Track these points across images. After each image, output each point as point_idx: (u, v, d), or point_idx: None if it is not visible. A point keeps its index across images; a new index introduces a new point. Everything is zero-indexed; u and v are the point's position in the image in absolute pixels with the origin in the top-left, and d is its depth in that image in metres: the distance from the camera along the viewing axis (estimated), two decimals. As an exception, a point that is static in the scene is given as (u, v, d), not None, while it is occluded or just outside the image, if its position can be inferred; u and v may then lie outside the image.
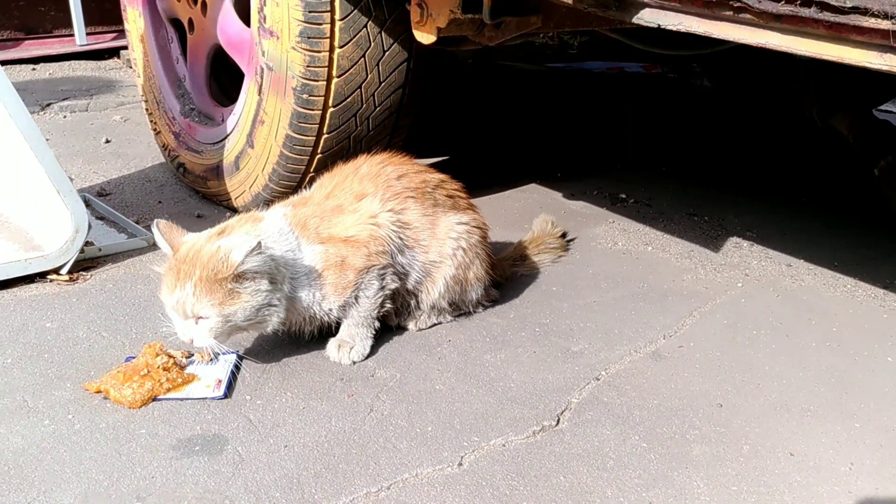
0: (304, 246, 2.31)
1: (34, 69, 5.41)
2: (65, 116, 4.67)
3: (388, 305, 2.47)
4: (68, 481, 1.88)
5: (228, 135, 3.39)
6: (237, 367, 2.34)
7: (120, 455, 1.97)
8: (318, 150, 3.11)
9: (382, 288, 2.41)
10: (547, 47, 7.38)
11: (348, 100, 3.03)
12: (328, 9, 2.84)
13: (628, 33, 3.49)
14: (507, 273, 2.91)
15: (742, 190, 4.09)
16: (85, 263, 2.96)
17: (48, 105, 4.77)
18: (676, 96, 5.94)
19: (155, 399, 2.18)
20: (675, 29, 2.01)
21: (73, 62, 5.58)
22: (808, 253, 3.32)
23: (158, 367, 2.24)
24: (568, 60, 6.91)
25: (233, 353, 2.39)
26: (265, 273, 2.18)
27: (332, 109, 3.03)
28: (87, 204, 3.48)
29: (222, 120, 3.53)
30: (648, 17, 2.05)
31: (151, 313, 2.63)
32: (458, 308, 2.65)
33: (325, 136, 3.08)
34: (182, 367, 2.31)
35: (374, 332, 2.46)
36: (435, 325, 2.63)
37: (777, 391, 2.35)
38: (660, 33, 3.32)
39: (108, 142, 4.32)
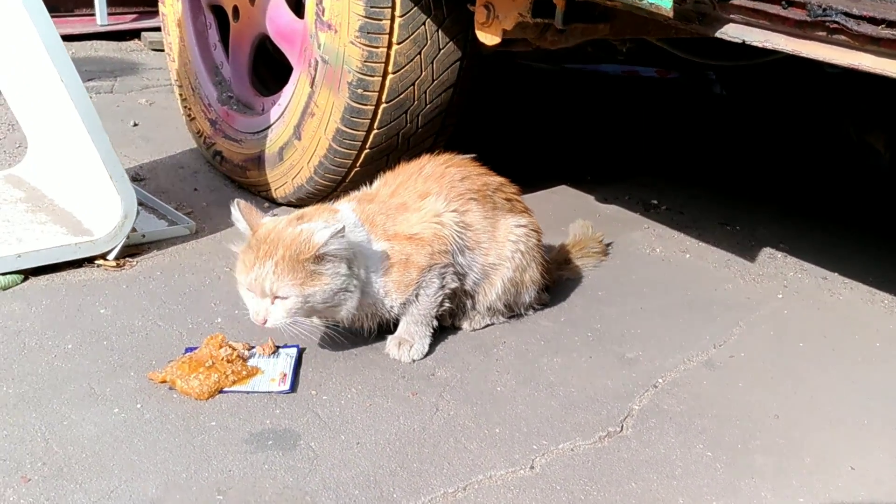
0: (373, 241, 2.31)
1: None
2: (91, 98, 4.61)
3: (447, 305, 2.48)
4: (147, 471, 1.88)
5: (272, 125, 3.37)
6: (298, 362, 2.34)
7: (194, 447, 1.97)
8: (367, 146, 3.11)
9: (443, 287, 2.42)
10: (566, 49, 7.41)
11: (401, 96, 3.03)
12: (389, 5, 2.84)
13: (675, 42, 3.51)
14: (553, 276, 2.93)
15: (770, 201, 4.12)
16: (129, 250, 2.93)
17: (74, 85, 4.71)
18: (691, 102, 5.97)
19: (221, 391, 2.18)
20: (759, 45, 2.03)
21: (94, 42, 5.53)
22: (842, 267, 3.36)
23: (223, 359, 2.24)
24: (583, 62, 6.93)
25: (294, 347, 2.39)
26: (344, 258, 2.19)
27: (384, 105, 3.02)
28: (127, 189, 3.46)
29: (263, 110, 3.52)
30: (732, 32, 2.07)
31: (204, 304, 2.63)
32: (512, 310, 2.66)
33: (375, 131, 3.08)
34: (245, 360, 2.30)
35: (432, 331, 2.47)
36: (488, 325, 2.64)
37: (830, 404, 2.38)
38: (707, 43, 3.37)
39: (136, 125, 4.28)
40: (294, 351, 2.38)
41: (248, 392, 2.19)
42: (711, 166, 4.60)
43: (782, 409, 2.34)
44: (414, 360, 2.41)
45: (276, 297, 2.15)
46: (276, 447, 1.99)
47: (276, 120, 3.36)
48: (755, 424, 2.26)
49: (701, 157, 4.75)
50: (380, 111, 3.03)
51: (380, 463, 1.97)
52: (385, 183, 2.55)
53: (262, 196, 3.50)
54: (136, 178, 3.62)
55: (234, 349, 2.29)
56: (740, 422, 2.27)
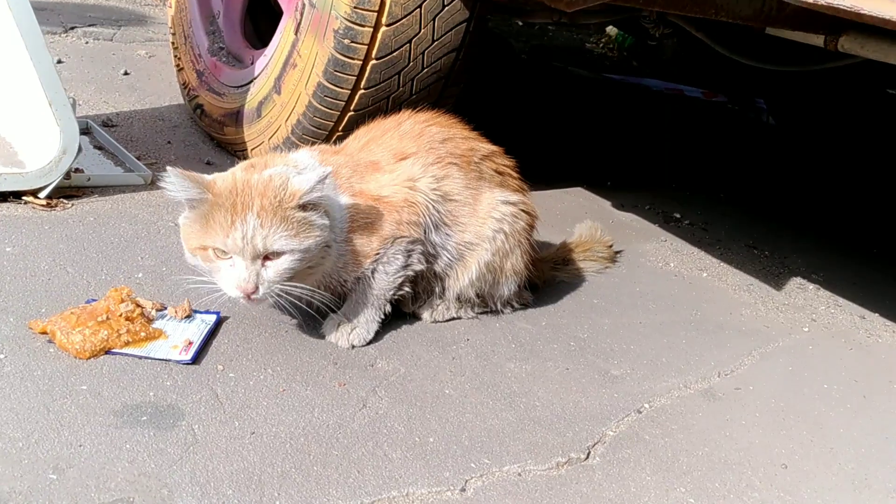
0: (338, 194, 1.94)
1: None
2: (87, 42, 4.33)
3: (407, 289, 2.08)
4: (-25, 434, 1.50)
5: (255, 78, 3.02)
6: (213, 331, 1.96)
7: (48, 412, 1.59)
8: (351, 107, 2.73)
9: (406, 267, 2.03)
10: (605, 58, 7.05)
11: (394, 54, 2.65)
12: (386, -57, 2.47)
13: (733, 45, 3.08)
14: (545, 276, 2.52)
15: (807, 229, 3.67)
16: (69, 191, 2.59)
17: (72, 28, 4.43)
18: (736, 127, 5.53)
19: (108, 352, 1.81)
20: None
21: (108, -9, 5.26)
22: (883, 307, 2.90)
23: (121, 316, 1.87)
24: (626, 73, 6.57)
25: (214, 313, 2.02)
26: (323, 207, 1.84)
27: (374, 62, 2.65)
28: (87, 131, 3.14)
29: (251, 62, 3.17)
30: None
31: (130, 256, 2.26)
32: (485, 303, 2.26)
33: (362, 91, 2.70)
34: (149, 321, 1.93)
35: (383, 317, 2.07)
36: (454, 318, 2.24)
37: (855, 461, 1.94)
38: (773, 47, 2.93)
39: (126, 74, 3.97)
40: (212, 318, 2.00)
41: (140, 357, 1.81)
42: (748, 190, 4.17)
43: (792, 459, 1.90)
44: (353, 346, 2.01)
45: (267, 259, 1.77)
46: (149, 425, 1.61)
47: (260, 72, 3.01)
48: (755, 472, 1.82)
49: (739, 180, 4.32)
50: (368, 68, 2.66)
51: (272, 460, 1.58)
52: (356, 137, 2.17)
53: (238, 155, 3.14)
54: (108, 123, 3.29)
55: (138, 306, 1.92)
56: (736, 466, 1.83)
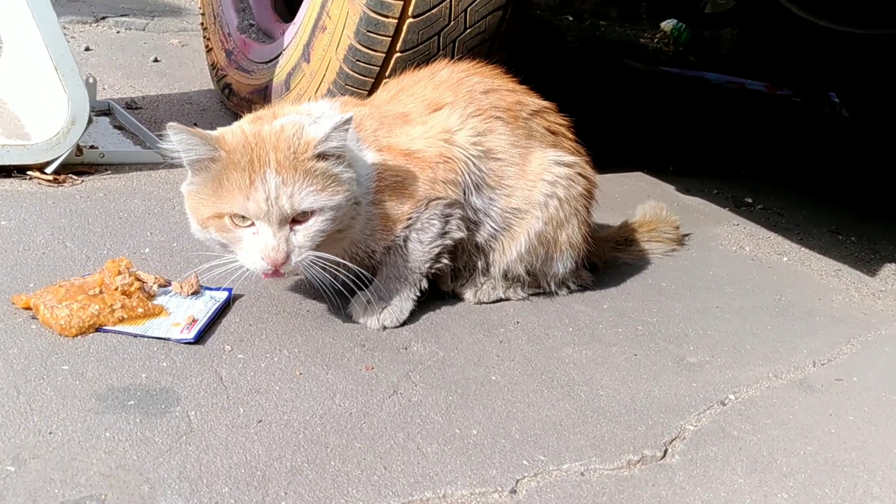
0: (362, 148, 1.66)
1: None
2: (118, 32, 4.16)
3: (445, 261, 1.80)
4: (-74, 417, 1.25)
5: (284, 49, 2.78)
6: (222, 309, 1.69)
7: (18, 395, 1.34)
8: (386, 73, 2.47)
9: (443, 234, 1.74)
10: (661, 53, 6.73)
11: (433, 11, 2.38)
12: None
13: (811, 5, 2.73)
14: (605, 256, 2.21)
15: (894, 217, 3.30)
16: (81, 168, 2.37)
17: (103, 18, 4.27)
18: (805, 120, 5.15)
19: (98, 329, 1.55)
20: None
21: (143, -16, 5.10)
22: None
23: (116, 289, 1.61)
24: (682, 67, 6.25)
25: (226, 290, 1.75)
26: (346, 159, 1.57)
27: (410, 20, 2.38)
28: (109, 111, 2.93)
29: (281, 35, 2.93)
30: None
31: (138, 231, 2.02)
32: (537, 281, 1.96)
33: (398, 55, 2.43)
34: (150, 296, 1.67)
35: (418, 294, 1.79)
36: (501, 299, 1.94)
37: None
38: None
39: (156, 61, 3.77)
40: (223, 295, 1.74)
41: (135, 335, 1.56)
42: (823, 179, 3.80)
43: (914, 461, 1.56)
44: (384, 328, 1.73)
45: (295, 222, 1.51)
46: (136, 410, 1.34)
47: (289, 43, 2.76)
48: (873, 476, 1.49)
49: (812, 169, 3.95)
50: (404, 28, 2.39)
51: (280, 453, 1.30)
52: (385, 88, 1.91)
53: (266, 136, 2.89)
54: (132, 105, 3.08)
55: (137, 280, 1.67)
56: (850, 469, 1.50)
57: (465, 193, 1.75)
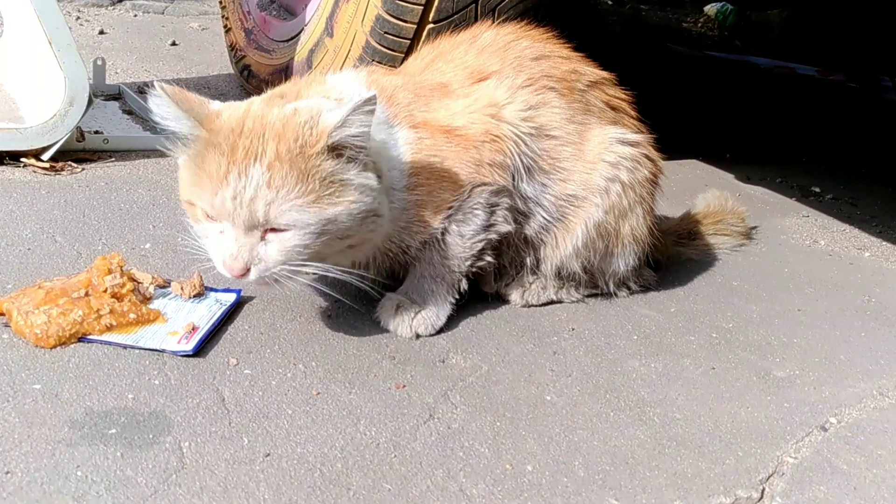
0: (394, 126, 1.41)
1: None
2: (135, 15, 3.95)
3: (489, 258, 1.54)
4: None
5: (306, 25, 2.54)
6: (228, 314, 1.45)
7: (-26, 421, 1.10)
8: (417, 47, 2.21)
9: (488, 227, 1.49)
10: (705, 37, 6.42)
11: (470, -24, 2.12)
12: None
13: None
14: (668, 252, 1.94)
15: None
16: (82, 155, 2.15)
17: (119, 1, 4.06)
18: (863, 106, 4.82)
19: (82, 339, 1.31)
20: None
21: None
22: None
23: (105, 291, 1.37)
24: (729, 52, 5.94)
25: (234, 292, 1.51)
26: (369, 156, 1.30)
27: (445, -14, 2.12)
28: (119, 95, 2.70)
29: (303, 9, 2.69)
30: None
31: (139, 224, 1.79)
32: (593, 281, 1.69)
33: (430, 25, 2.18)
34: (145, 299, 1.43)
35: (457, 297, 1.53)
36: (552, 301, 1.68)
37: None
38: None
39: (174, 45, 3.55)
40: (230, 298, 1.49)
41: (125, 346, 1.32)
42: (889, 164, 3.48)
43: None
44: (418, 336, 1.48)
45: (271, 230, 1.26)
46: (118, 441, 1.10)
47: (311, 17, 2.52)
48: None
49: (879, 157, 3.62)
50: (439, -6, 2.13)
51: (292, 496, 1.05)
52: (419, 55, 1.65)
53: (287, 121, 2.65)
54: (143, 90, 2.84)
55: (131, 280, 1.43)
56: None
57: (513, 178, 1.49)
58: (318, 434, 1.17)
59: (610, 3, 6.77)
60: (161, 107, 1.26)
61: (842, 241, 2.41)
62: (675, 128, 3.53)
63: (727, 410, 1.39)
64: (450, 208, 1.44)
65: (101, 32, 3.54)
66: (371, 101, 1.24)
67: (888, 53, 4.82)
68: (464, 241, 1.47)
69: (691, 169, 2.92)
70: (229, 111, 1.31)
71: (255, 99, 1.39)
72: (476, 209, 1.46)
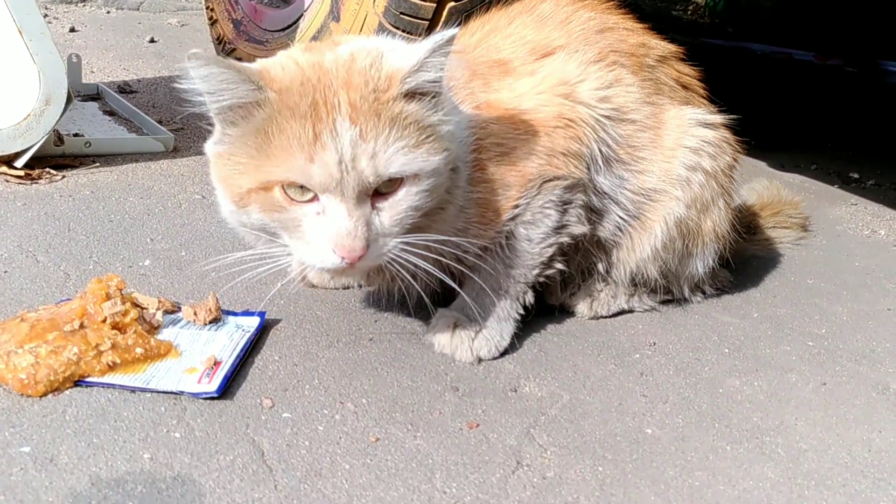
0: (455, 106, 1.18)
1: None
2: (108, 12, 3.68)
3: (559, 266, 1.30)
4: None
5: (306, 10, 2.29)
6: (253, 342, 1.20)
7: (-52, 502, 0.84)
8: (436, 29, 1.96)
9: (560, 229, 1.25)
10: (697, 25, 6.26)
11: (497, -54, 1.88)
12: None
13: None
14: (733, 247, 1.71)
15: None
16: (62, 160, 1.89)
17: (91, -4, 3.78)
18: (862, 90, 4.65)
19: (79, 382, 1.06)
20: None
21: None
22: None
23: (104, 322, 1.13)
24: (725, 38, 5.79)
25: (257, 315, 1.26)
26: (444, 102, 1.08)
27: (469, -40, 1.89)
28: (98, 95, 2.44)
29: (300, -5, 2.44)
30: None
31: (135, 238, 1.54)
32: (668, 287, 1.46)
33: (451, 3, 1.96)
34: (152, 328, 1.19)
35: (521, 312, 1.30)
36: (623, 311, 1.46)
37: None
38: None
39: (152, 41, 3.29)
40: (254, 323, 1.25)
41: (134, 389, 1.06)
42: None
43: None
44: (480, 360, 1.24)
45: (379, 196, 1.04)
46: (136, 520, 0.85)
47: (312, 2, 2.27)
48: None
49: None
50: (460, -31, 1.90)
51: (370, 587, 0.80)
52: (467, 30, 1.41)
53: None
54: (125, 89, 2.59)
55: (135, 306, 1.18)
56: None
57: (589, 170, 1.26)
58: (387, 495, 0.93)
59: (597, -9, 6.60)
60: (208, 79, 1.01)
61: (901, 230, 2.22)
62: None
63: (858, 437, 1.17)
64: (516, 207, 1.20)
65: (72, 30, 3.27)
66: (452, 39, 1.03)
67: (887, 37, 4.68)
68: (532, 245, 1.24)
69: (722, 158, 2.71)
70: (276, 69, 1.07)
71: (290, 51, 1.14)
72: (547, 208, 1.22)
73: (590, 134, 1.24)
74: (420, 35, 1.98)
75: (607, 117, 1.26)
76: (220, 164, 1.07)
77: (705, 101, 1.49)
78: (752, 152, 2.83)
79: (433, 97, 1.05)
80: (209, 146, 1.09)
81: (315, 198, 1.01)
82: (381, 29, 1.99)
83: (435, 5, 1.94)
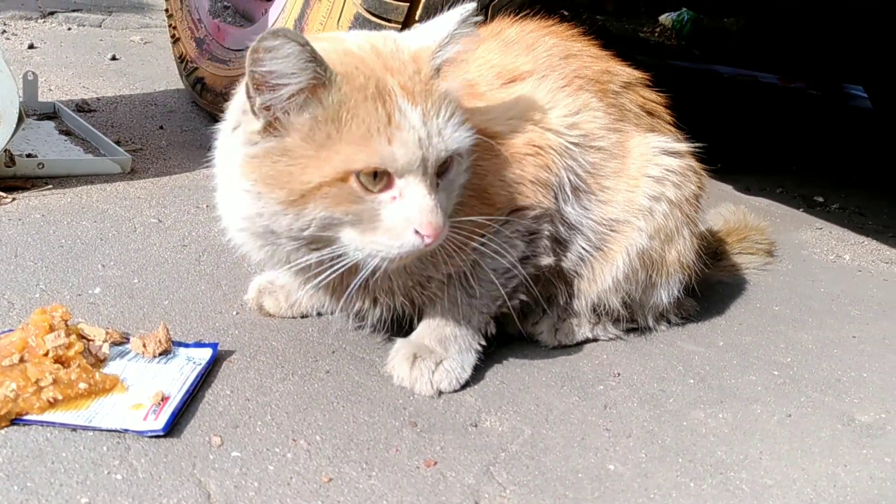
0: None
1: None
2: (69, 28, 3.61)
3: (522, 297, 1.27)
4: None
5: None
6: (203, 376, 1.16)
7: None
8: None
9: (525, 259, 1.23)
10: (664, 47, 6.31)
11: (462, -32, 1.86)
12: None
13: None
14: (699, 275, 1.69)
15: None
16: (12, 182, 1.83)
17: (51, 13, 3.71)
18: (826, 113, 4.72)
19: (16, 421, 1.01)
20: None
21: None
22: None
23: (46, 354, 1.07)
24: (692, 61, 5.86)
25: (209, 346, 1.22)
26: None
27: (433, -19, 1.87)
28: (55, 115, 2.38)
29: (264, 14, 2.41)
30: None
31: (85, 264, 1.49)
32: (632, 316, 1.44)
33: (417, 25, 1.91)
34: (98, 362, 1.14)
35: (483, 343, 1.26)
36: (588, 340, 1.43)
37: None
38: None
39: (114, 59, 3.23)
40: (206, 354, 1.20)
41: (75, 427, 1.01)
42: (884, 172, 3.33)
43: None
44: (440, 392, 1.20)
45: (445, 168, 1.05)
46: (69, 572, 0.80)
47: (275, 20, 2.24)
48: None
49: (865, 164, 3.48)
50: (426, -10, 1.88)
51: None
52: None
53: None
54: (83, 108, 2.53)
55: (80, 338, 1.13)
56: None
57: (556, 200, 1.23)
58: (338, 541, 0.89)
59: (566, 13, 6.62)
60: (280, 59, 0.96)
61: (865, 254, 2.22)
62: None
63: (824, 472, 1.15)
64: (483, 236, 1.17)
65: (31, 47, 3.19)
66: (475, 11, 1.07)
67: (851, 61, 4.75)
68: (497, 275, 1.21)
69: (688, 181, 2.71)
70: (332, 41, 1.08)
71: (318, 37, 1.10)
72: (514, 238, 1.19)
73: (559, 161, 1.21)
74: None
75: (576, 144, 1.24)
76: (268, 162, 1.01)
77: (671, 128, 1.47)
78: (719, 176, 2.84)
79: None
80: (239, 148, 1.04)
81: (389, 184, 0.99)
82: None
83: (399, 27, 1.91)
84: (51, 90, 2.68)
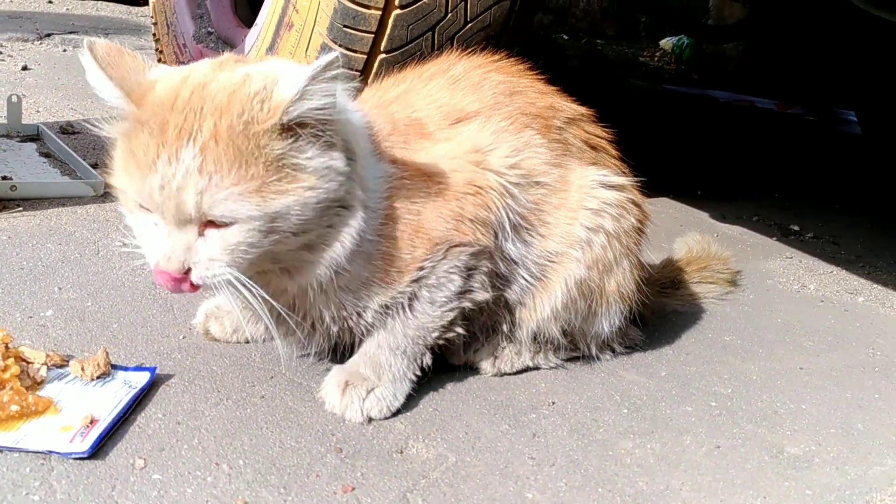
0: (375, 156, 1.21)
1: (50, 2, 4.47)
2: (64, 50, 3.68)
3: (459, 330, 1.30)
4: None
5: (247, 52, 2.30)
6: (137, 399, 1.19)
7: None
8: (368, 81, 1.99)
9: (462, 294, 1.26)
10: (663, 71, 6.35)
11: (426, 1, 1.91)
12: None
13: None
14: (652, 304, 1.72)
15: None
16: (-15, 205, 1.88)
17: (47, 35, 3.79)
18: (823, 138, 4.73)
19: (-55, 441, 1.04)
20: None
21: (100, 2, 4.63)
22: None
23: (-19, 378, 1.11)
24: (689, 85, 5.89)
25: (147, 370, 1.25)
26: (337, 135, 1.09)
27: (398, 12, 1.92)
28: (38, 136, 2.43)
29: (242, 41, 2.46)
30: None
31: (43, 285, 1.53)
32: (574, 344, 1.47)
33: (382, 55, 1.96)
34: (35, 384, 1.17)
35: (419, 373, 1.29)
36: (528, 368, 1.45)
37: None
38: None
39: (106, 80, 3.27)
40: (143, 378, 1.23)
41: (1, 449, 1.04)
42: (867, 201, 3.34)
43: None
44: (371, 419, 1.23)
45: (210, 224, 1.04)
46: (-29, 591, 0.83)
47: (250, 48, 2.29)
48: None
49: (849, 191, 3.49)
50: (390, 21, 1.93)
51: None
52: (381, 87, 1.42)
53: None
54: (67, 130, 2.59)
55: (19, 360, 1.17)
56: None
57: (496, 237, 1.26)
58: (242, 564, 0.92)
59: (566, 37, 6.67)
60: (89, 72, 1.07)
61: (831, 284, 2.23)
62: (642, 163, 3.35)
63: (741, 501, 1.16)
64: (421, 269, 1.21)
65: (25, 68, 3.26)
66: (334, 63, 1.02)
67: (846, 86, 4.78)
68: (434, 308, 1.24)
69: (664, 207, 2.73)
70: (166, 80, 1.09)
71: (202, 63, 1.15)
72: (452, 273, 1.23)
73: (499, 201, 1.25)
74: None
75: (517, 184, 1.27)
76: (115, 154, 1.12)
77: (616, 162, 1.50)
78: (696, 203, 2.87)
79: (321, 126, 1.05)
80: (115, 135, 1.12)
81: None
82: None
83: (366, 56, 1.96)
84: (38, 112, 2.73)
